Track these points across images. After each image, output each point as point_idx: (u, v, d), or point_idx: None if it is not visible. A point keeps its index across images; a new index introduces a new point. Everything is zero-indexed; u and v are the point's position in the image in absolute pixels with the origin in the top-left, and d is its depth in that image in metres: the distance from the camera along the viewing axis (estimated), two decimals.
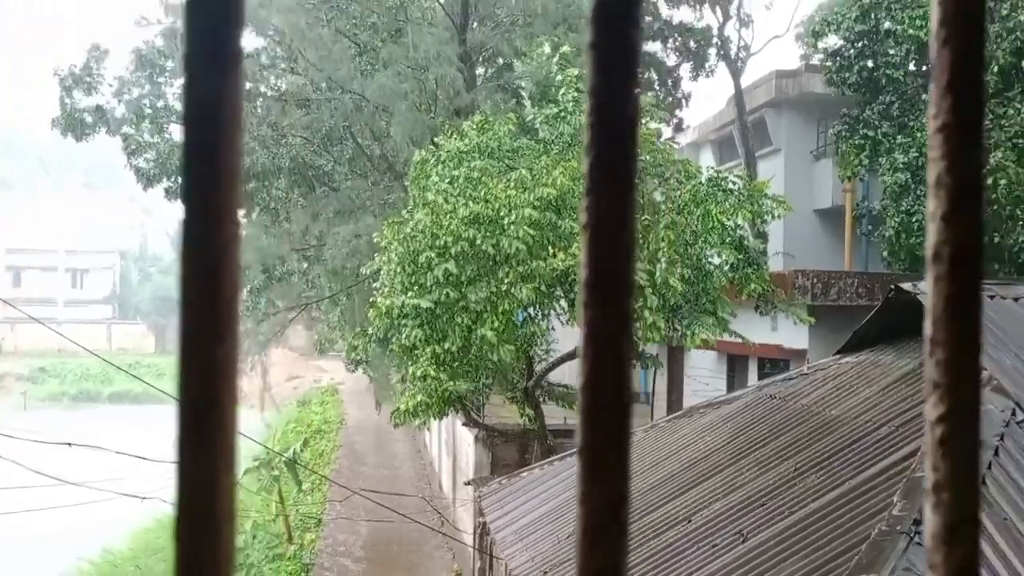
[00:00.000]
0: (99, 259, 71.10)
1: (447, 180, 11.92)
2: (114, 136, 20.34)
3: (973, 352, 0.50)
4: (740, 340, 12.77)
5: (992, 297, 7.76)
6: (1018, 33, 13.26)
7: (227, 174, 0.47)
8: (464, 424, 16.81)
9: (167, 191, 20.42)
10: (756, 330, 14.71)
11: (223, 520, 0.47)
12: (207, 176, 0.46)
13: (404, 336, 11.45)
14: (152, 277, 73.07)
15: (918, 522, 5.67)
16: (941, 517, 0.51)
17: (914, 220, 14.55)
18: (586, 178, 0.49)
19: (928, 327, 0.51)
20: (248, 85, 19.71)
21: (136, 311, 71.00)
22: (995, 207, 13.37)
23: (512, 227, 10.84)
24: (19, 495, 10.99)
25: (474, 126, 12.80)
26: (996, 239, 13.61)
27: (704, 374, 18.09)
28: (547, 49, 13.59)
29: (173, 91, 20.67)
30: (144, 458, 9.22)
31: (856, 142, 14.97)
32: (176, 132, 21.09)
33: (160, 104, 20.46)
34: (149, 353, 66.01)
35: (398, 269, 11.39)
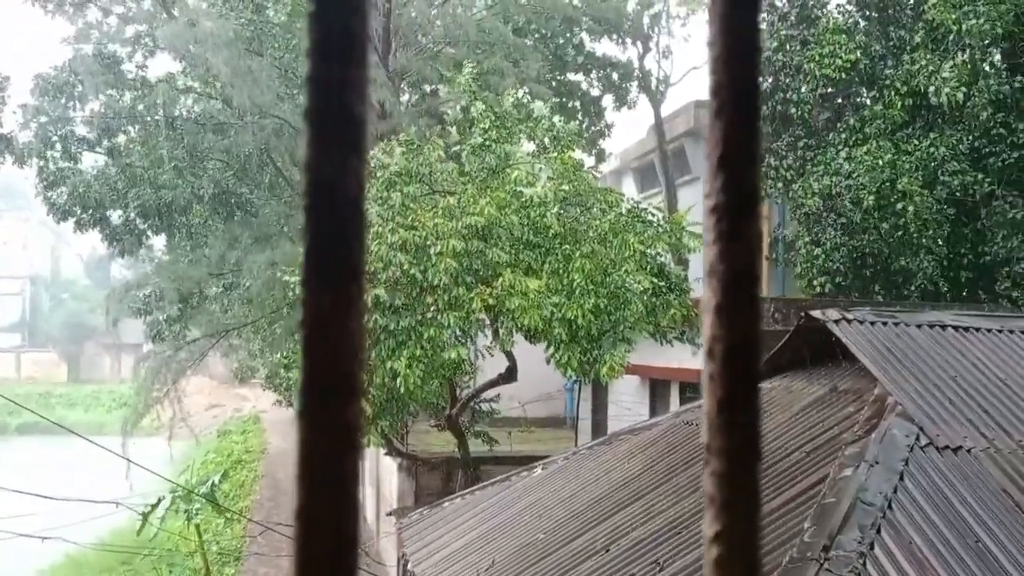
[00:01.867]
0: (7, 284, 68.17)
1: (378, 203, 11.77)
2: (22, 167, 19.63)
3: (751, 462, 0.45)
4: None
5: (897, 324, 7.98)
6: (920, 78, 13.83)
7: None
8: (387, 453, 16.53)
9: (78, 223, 19.75)
10: (677, 354, 14.86)
11: None
12: None
13: None
14: (64, 303, 70.35)
15: (827, 548, 5.73)
16: None
17: (822, 247, 14.98)
18: (304, 267, 0.42)
19: (703, 433, 0.45)
20: (162, 111, 19.22)
21: (47, 338, 68.17)
22: (902, 233, 13.82)
23: (437, 258, 10.75)
24: None
25: (401, 146, 12.65)
26: (904, 264, 14.08)
27: (627, 399, 18.20)
28: (467, 74, 13.57)
29: (83, 116, 20.03)
30: (44, 496, 8.76)
31: (765, 172, 15.37)
32: (89, 160, 20.43)
33: (67, 131, 19.80)
34: (61, 382, 63.43)
35: None
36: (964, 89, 13.40)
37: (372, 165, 12.56)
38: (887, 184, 13.47)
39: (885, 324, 7.66)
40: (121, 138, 20.13)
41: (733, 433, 0.45)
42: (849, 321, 7.63)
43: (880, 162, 13.47)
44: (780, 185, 15.53)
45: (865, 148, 13.85)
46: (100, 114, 19.83)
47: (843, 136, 14.77)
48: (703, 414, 0.46)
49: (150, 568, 21.10)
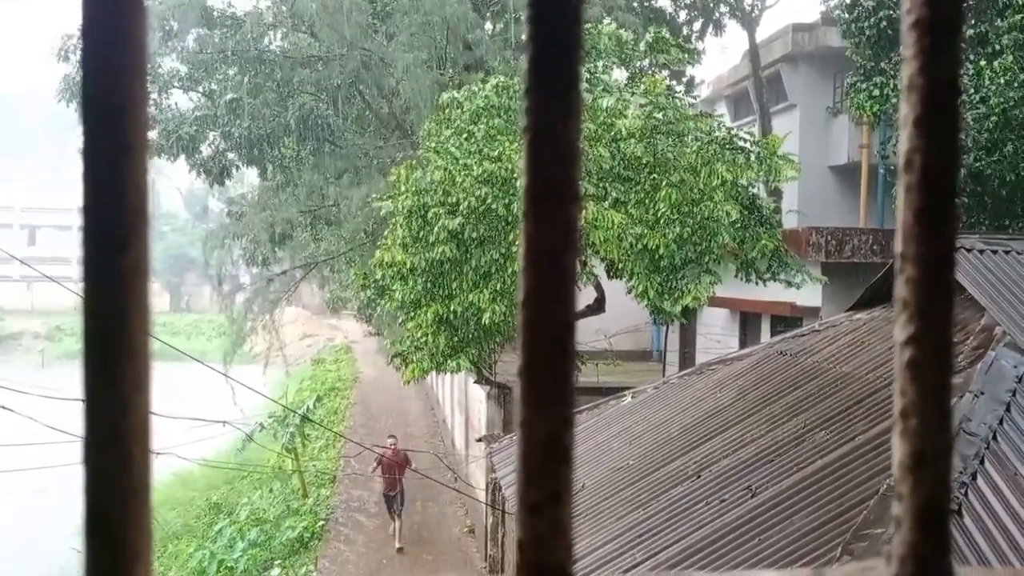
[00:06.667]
0: None
1: (463, 136, 11.77)
2: None
3: (946, 269, 0.47)
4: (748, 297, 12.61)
5: (1008, 252, 7.66)
6: None
7: (129, 68, 0.43)
8: (476, 381, 16.87)
9: (167, 154, 20.32)
10: (768, 288, 14.58)
11: (134, 442, 0.44)
12: (106, 66, 0.43)
13: (408, 291, 11.41)
14: (165, 235, 73.29)
15: None
16: (908, 445, 0.47)
17: None
18: (527, 75, 0.45)
19: (898, 242, 0.47)
20: (253, 46, 19.46)
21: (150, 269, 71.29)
22: None
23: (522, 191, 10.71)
24: (34, 452, 11.15)
25: (489, 87, 12.48)
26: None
27: (717, 331, 18.06)
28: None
29: (176, 51, 20.43)
30: (156, 414, 9.27)
31: (870, 91, 14.52)
32: (180, 98, 20.91)
33: (163, 68, 20.26)
34: (163, 311, 66.58)
35: (405, 222, 11.32)
36: None
37: (459, 99, 12.51)
38: (1012, 104, 12.52)
39: (995, 252, 7.36)
40: (206, 72, 20.45)
41: (930, 243, 0.47)
42: (955, 249, 7.35)
43: (1013, 80, 12.47)
44: (879, 107, 14.74)
45: (997, 63, 12.80)
46: (192, 51, 20.22)
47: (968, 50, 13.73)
48: (897, 225, 0.48)
49: (251, 487, 22.24)
